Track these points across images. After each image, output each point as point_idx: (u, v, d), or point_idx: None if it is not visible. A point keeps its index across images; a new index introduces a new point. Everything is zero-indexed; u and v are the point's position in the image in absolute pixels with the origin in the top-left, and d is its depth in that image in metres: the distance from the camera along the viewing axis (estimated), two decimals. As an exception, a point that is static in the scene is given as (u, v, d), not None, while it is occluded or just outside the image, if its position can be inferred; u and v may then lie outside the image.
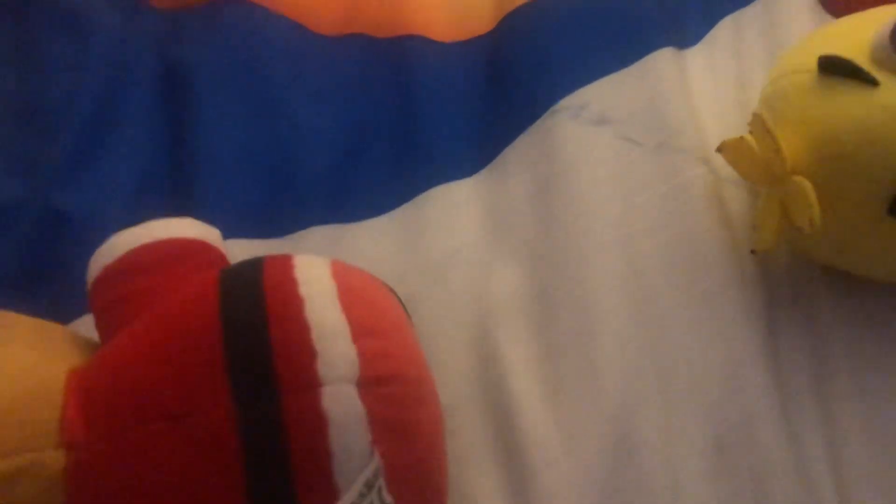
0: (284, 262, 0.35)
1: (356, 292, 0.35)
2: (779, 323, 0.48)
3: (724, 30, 0.59)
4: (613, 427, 0.45)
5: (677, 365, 0.47)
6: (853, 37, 0.45)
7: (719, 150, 0.49)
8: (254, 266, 0.35)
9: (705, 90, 0.56)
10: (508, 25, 0.58)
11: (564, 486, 0.43)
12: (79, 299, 0.45)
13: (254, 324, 0.32)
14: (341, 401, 0.31)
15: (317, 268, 0.35)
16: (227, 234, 0.44)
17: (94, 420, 0.32)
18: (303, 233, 0.51)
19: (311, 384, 0.31)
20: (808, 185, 0.43)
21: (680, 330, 0.48)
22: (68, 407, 0.33)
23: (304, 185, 0.53)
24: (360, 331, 0.33)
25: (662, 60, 0.55)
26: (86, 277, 0.41)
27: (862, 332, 0.48)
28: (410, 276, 0.50)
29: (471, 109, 0.56)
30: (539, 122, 0.54)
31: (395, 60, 0.58)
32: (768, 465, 0.44)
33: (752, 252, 0.49)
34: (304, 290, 0.34)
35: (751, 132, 0.46)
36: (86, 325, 0.43)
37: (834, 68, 0.43)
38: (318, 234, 0.51)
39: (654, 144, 0.52)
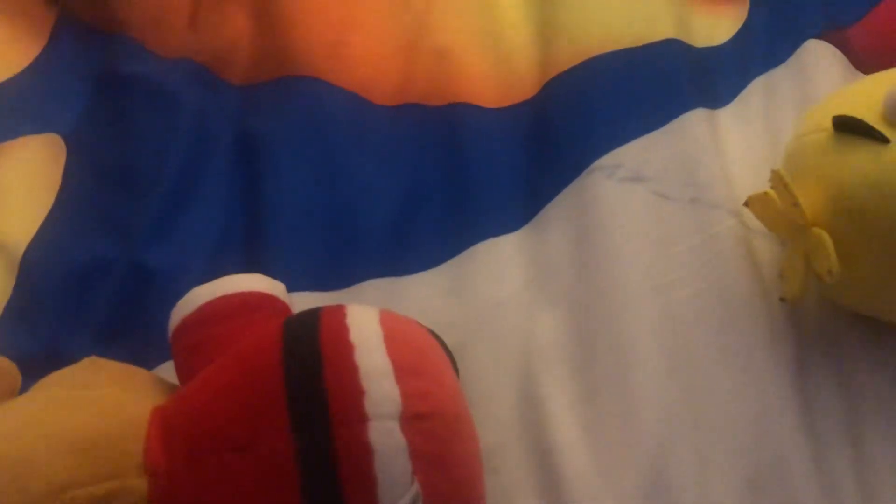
0: (338, 312, 0.40)
1: (401, 337, 0.39)
2: (809, 368, 0.50)
3: (756, 90, 0.62)
4: (649, 466, 0.47)
5: (710, 408, 0.49)
6: (870, 96, 0.48)
7: (746, 204, 0.52)
8: (312, 315, 0.40)
9: (736, 148, 0.59)
10: (549, 92, 0.62)
11: (601, 520, 0.46)
12: (160, 348, 0.50)
13: (311, 366, 0.37)
14: (385, 434, 0.35)
15: (366, 316, 0.40)
16: (293, 287, 0.49)
17: (173, 451, 0.37)
18: (361, 285, 0.56)
19: (359, 419, 0.35)
20: (825, 236, 0.46)
21: (713, 375, 0.50)
22: (151, 439, 0.38)
23: (362, 241, 0.57)
24: (404, 372, 0.37)
25: (694, 121, 0.59)
26: (167, 327, 0.47)
27: (893, 375, 0.50)
28: (459, 324, 0.53)
29: (515, 170, 0.60)
30: (577, 181, 0.57)
31: (445, 126, 0.62)
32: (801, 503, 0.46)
33: (782, 300, 0.52)
34: (355, 335, 0.38)
35: (772, 187, 0.49)
36: (166, 371, 0.48)
37: (847, 127, 0.46)
38: (375, 287, 0.56)
39: (686, 199, 0.56)
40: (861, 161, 0.46)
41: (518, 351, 0.53)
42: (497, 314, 0.54)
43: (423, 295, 0.55)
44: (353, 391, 0.36)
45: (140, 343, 0.53)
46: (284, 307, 0.45)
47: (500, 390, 0.51)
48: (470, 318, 0.54)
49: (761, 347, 0.51)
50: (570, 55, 0.63)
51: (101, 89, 0.66)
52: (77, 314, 0.55)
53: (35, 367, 0.48)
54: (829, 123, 0.48)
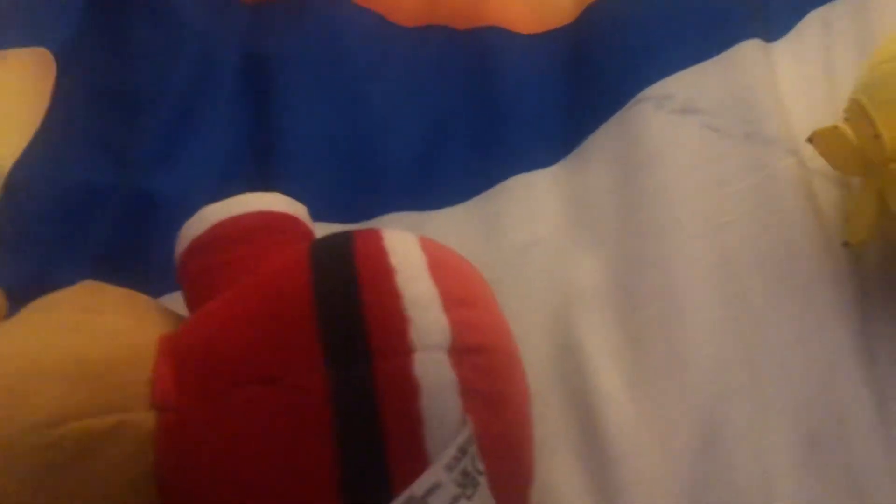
0: (374, 234, 0.35)
1: (445, 264, 0.35)
2: (872, 318, 0.47)
3: (812, 24, 0.58)
4: (700, 418, 0.44)
5: (768, 358, 0.45)
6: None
7: (810, 140, 0.48)
8: (344, 237, 0.36)
9: (793, 83, 0.55)
10: (590, 17, 0.58)
11: (648, 475, 0.42)
12: (164, 278, 0.46)
13: (346, 291, 0.32)
14: (433, 368, 0.31)
15: (406, 240, 0.35)
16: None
17: (185, 383, 0.33)
18: (382, 219, 0.51)
19: (402, 350, 0.31)
20: (909, 170, 0.42)
21: (770, 323, 0.46)
22: (159, 370, 0.33)
23: (384, 172, 0.53)
24: (451, 301, 0.33)
25: (748, 51, 0.54)
26: (172, 255, 0.42)
27: (959, 328, 0.46)
28: (488, 264, 0.48)
29: (550, 100, 0.55)
30: (621, 112, 0.53)
31: (474, 51, 0.58)
32: (862, 463, 0.42)
33: (845, 245, 0.48)
34: (395, 260, 0.34)
35: (846, 119, 0.45)
36: (170, 303, 0.44)
37: (939, 52, 0.42)
38: (397, 221, 0.51)
39: (741, 135, 0.51)
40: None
41: (554, 294, 0.48)
42: (530, 255, 0.50)
43: (449, 232, 0.51)
44: (396, 319, 0.31)
45: (140, 274, 0.48)
46: (308, 231, 0.41)
47: (535, 335, 0.47)
48: (500, 258, 0.50)
49: (822, 295, 0.47)
50: (612, -21, 0.58)
51: (96, 3, 0.61)
52: (71, 239, 0.51)
53: (23, 293, 0.43)
54: (914, 49, 0.43)
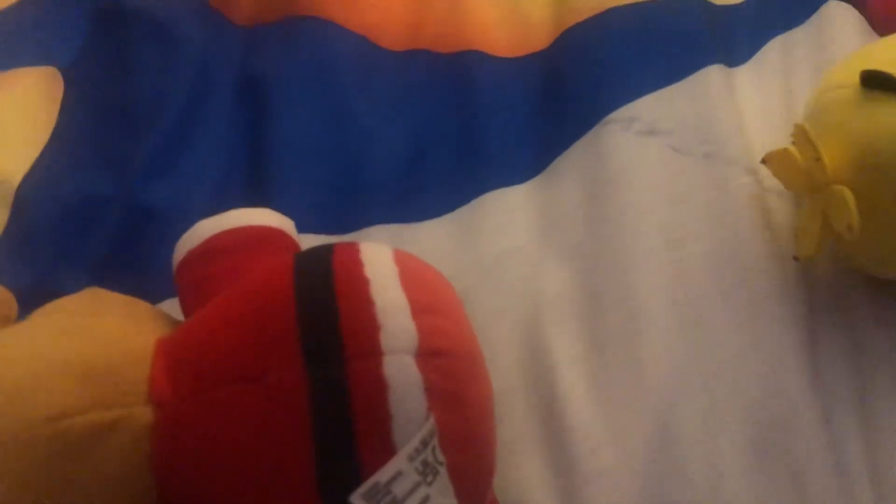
0: (352, 247, 0.39)
1: (416, 275, 0.38)
2: (820, 329, 0.50)
3: (773, 49, 0.61)
4: (656, 419, 0.47)
5: (719, 364, 0.48)
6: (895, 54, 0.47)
7: (764, 161, 0.51)
8: (325, 250, 0.39)
9: (753, 106, 0.58)
10: (564, 43, 0.61)
11: (607, 472, 0.45)
12: (160, 286, 0.49)
13: (324, 298, 0.36)
14: (401, 369, 0.34)
15: (380, 252, 0.39)
16: (298, 229, 0.48)
17: (179, 381, 0.36)
18: (367, 230, 0.55)
19: (373, 352, 0.34)
20: (847, 192, 0.45)
21: (723, 331, 0.49)
22: (156, 369, 0.37)
23: (369, 186, 0.56)
24: (419, 308, 0.36)
25: (711, 76, 0.58)
26: (168, 265, 0.45)
27: (902, 339, 0.49)
28: (466, 273, 0.52)
29: (526, 120, 0.59)
30: (591, 132, 0.56)
31: (455, 74, 0.61)
32: (807, 465, 0.45)
33: (795, 259, 0.51)
34: (369, 270, 0.37)
35: (793, 142, 0.48)
36: (168, 308, 0.47)
37: (875, 82, 0.45)
38: (381, 232, 0.54)
39: (701, 155, 0.55)
40: (888, 116, 0.45)
41: (524, 302, 0.52)
42: (504, 264, 0.53)
43: (429, 243, 0.54)
44: (369, 325, 0.35)
45: (138, 280, 0.51)
46: (293, 243, 0.44)
47: (506, 340, 0.50)
48: (476, 267, 0.53)
49: (772, 306, 0.50)
50: (586, 6, 0.62)
51: (101, 23, 0.64)
52: (74, 250, 0.54)
53: (30, 299, 0.47)
54: (854, 79, 0.47)
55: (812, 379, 0.48)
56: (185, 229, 0.45)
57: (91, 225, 0.55)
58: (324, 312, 0.35)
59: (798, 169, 0.48)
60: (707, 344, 0.49)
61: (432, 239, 0.55)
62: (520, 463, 0.46)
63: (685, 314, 0.50)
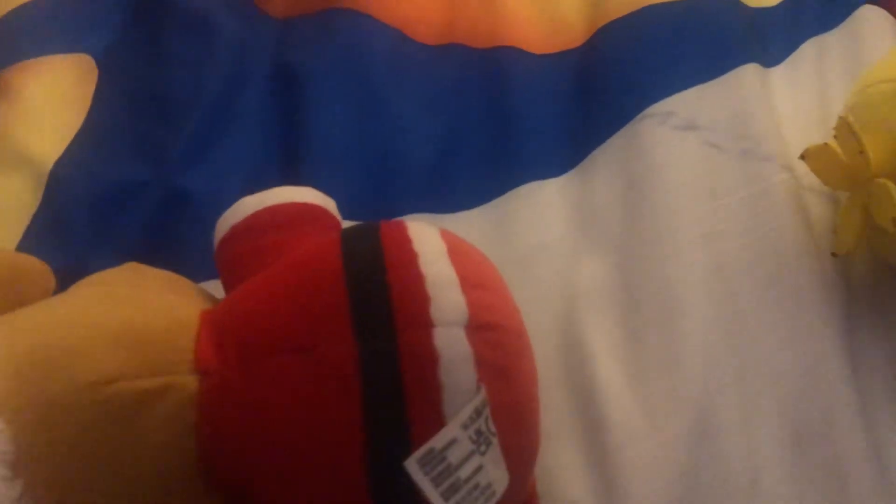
0: (399, 224, 0.39)
1: (463, 252, 0.38)
2: (858, 324, 0.50)
3: (808, 51, 0.62)
4: (693, 411, 0.46)
5: (757, 358, 0.48)
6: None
7: (803, 156, 0.51)
8: (372, 226, 0.39)
9: (788, 105, 0.58)
10: (599, 40, 0.61)
11: (644, 462, 0.45)
12: (195, 270, 0.49)
13: (374, 271, 0.35)
14: (451, 341, 0.34)
15: (427, 229, 0.39)
16: (333, 216, 0.48)
17: (226, 351, 0.36)
18: (401, 219, 0.54)
19: (424, 324, 0.34)
20: (892, 185, 0.45)
21: (760, 326, 0.49)
22: (202, 339, 0.36)
23: (403, 177, 0.56)
24: (469, 283, 0.36)
25: (748, 74, 0.58)
26: (202, 249, 0.46)
27: (939, 335, 0.49)
28: (500, 264, 0.51)
29: (561, 114, 0.59)
30: (627, 127, 0.56)
31: (490, 68, 0.61)
32: (845, 459, 0.45)
33: (833, 255, 0.51)
34: (418, 246, 0.37)
35: (835, 136, 0.48)
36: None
37: (919, 76, 0.46)
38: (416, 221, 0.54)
39: (738, 151, 0.55)
40: (933, 109, 0.45)
41: (560, 294, 0.52)
42: (539, 257, 0.53)
43: (464, 234, 0.53)
44: (419, 297, 0.35)
45: (172, 264, 0.51)
46: (336, 222, 0.44)
47: (542, 332, 0.49)
48: (511, 259, 0.53)
49: (810, 301, 0.50)
50: (620, 4, 0.62)
51: (137, 12, 0.65)
52: (108, 233, 0.54)
53: (62, 281, 0.46)
54: (896, 74, 0.47)
55: (851, 374, 0.48)
56: (219, 214, 0.45)
57: (124, 209, 0.55)
58: (374, 285, 0.35)
59: (839, 164, 0.48)
60: (744, 338, 0.49)
61: (466, 229, 0.52)
62: (557, 452, 0.46)
63: (722, 308, 0.50)
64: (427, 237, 0.38)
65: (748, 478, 0.45)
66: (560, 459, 0.46)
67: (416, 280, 0.35)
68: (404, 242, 0.37)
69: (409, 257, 0.36)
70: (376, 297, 0.35)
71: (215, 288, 0.45)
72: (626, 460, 0.45)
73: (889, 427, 0.47)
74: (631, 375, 0.48)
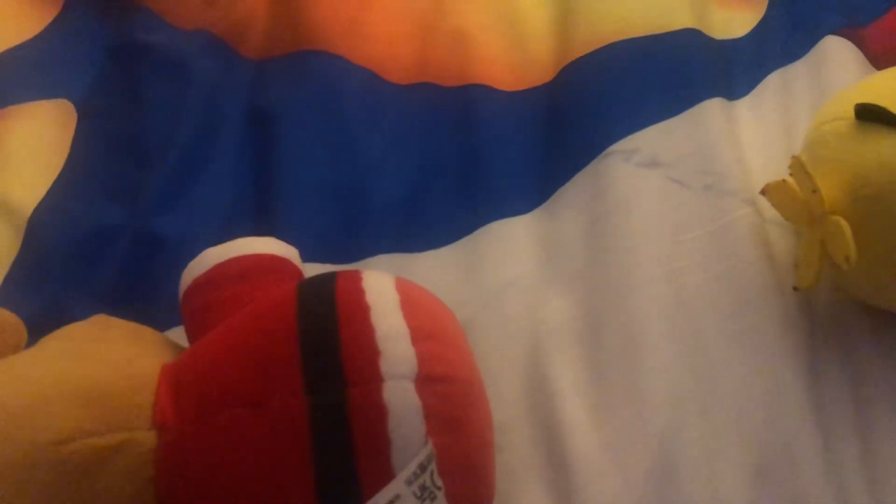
0: (354, 275, 0.40)
1: (416, 302, 0.39)
2: (820, 357, 0.50)
3: (773, 83, 0.62)
4: (657, 447, 0.47)
5: (719, 394, 0.49)
6: (891, 86, 0.48)
7: (763, 192, 0.52)
8: (328, 277, 0.40)
9: (753, 138, 0.59)
10: (565, 77, 0.62)
11: (607, 500, 0.46)
12: (167, 314, 0.50)
13: (326, 326, 0.36)
14: (400, 395, 0.35)
15: (382, 280, 0.39)
16: (304, 258, 0.49)
17: (183, 406, 0.37)
18: (371, 260, 0.55)
19: (373, 379, 0.35)
20: (844, 223, 0.45)
21: (723, 360, 0.50)
22: (160, 394, 0.37)
23: (374, 216, 0.57)
24: (419, 335, 0.37)
25: (711, 110, 0.59)
26: (176, 294, 0.47)
27: (902, 368, 0.50)
28: (469, 302, 0.53)
29: (529, 152, 0.60)
30: (592, 164, 0.57)
31: (460, 107, 0.62)
32: (807, 493, 0.46)
33: (795, 289, 0.51)
34: (371, 298, 0.38)
35: (791, 174, 0.49)
36: (175, 335, 0.48)
37: (869, 115, 0.46)
38: (386, 262, 0.55)
39: (701, 186, 0.56)
40: (882, 148, 0.45)
41: (527, 330, 0.52)
42: (507, 293, 0.54)
43: (433, 272, 0.55)
44: (369, 351, 0.35)
45: (147, 309, 0.52)
46: (297, 271, 0.45)
47: (508, 369, 0.51)
48: (479, 296, 0.54)
49: (772, 335, 0.50)
50: (587, 41, 0.63)
51: (114, 57, 0.66)
52: (84, 278, 0.55)
53: (39, 326, 0.47)
54: (849, 112, 0.47)
55: (813, 407, 0.48)
56: (190, 258, 0.46)
57: (101, 254, 0.56)
58: (325, 339, 0.36)
59: (796, 200, 0.49)
60: (707, 372, 0.49)
61: (435, 269, 0.55)
62: (521, 491, 0.47)
63: (685, 343, 0.50)
64: (381, 288, 0.39)
65: (711, 512, 0.45)
66: (524, 498, 0.46)
67: (366, 333, 0.36)
68: (358, 295, 0.38)
69: (362, 310, 0.37)
70: (327, 352, 0.36)
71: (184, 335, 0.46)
72: (590, 498, 0.46)
73: (851, 458, 0.47)
74: (595, 411, 0.49)
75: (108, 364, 0.39)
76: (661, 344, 0.50)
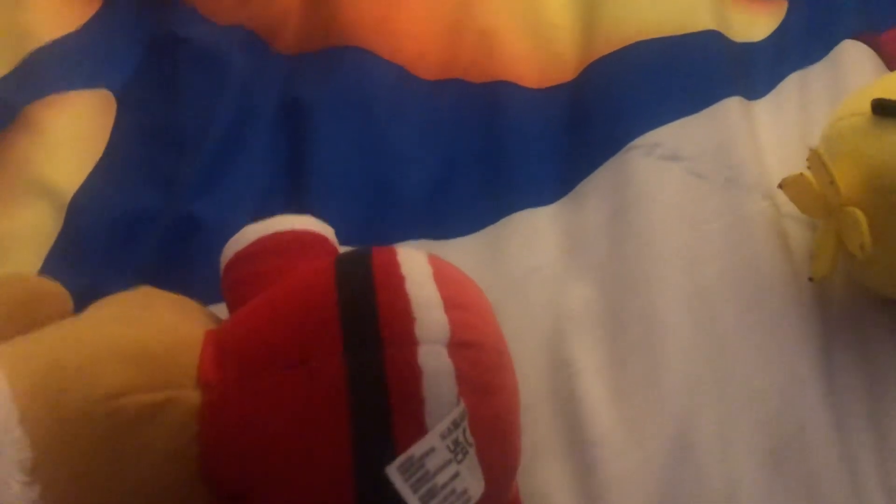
0: (389, 249, 0.42)
1: (448, 275, 0.41)
2: (834, 346, 0.52)
3: (791, 85, 0.64)
4: (674, 428, 0.48)
5: (735, 378, 0.50)
6: (906, 85, 0.50)
7: (780, 186, 0.54)
8: (365, 251, 0.42)
9: (771, 137, 0.61)
10: (589, 75, 0.64)
11: (626, 476, 0.47)
12: (204, 293, 0.52)
13: (364, 293, 0.38)
14: (434, 358, 0.37)
15: (416, 255, 0.41)
16: (335, 243, 0.51)
17: (226, 367, 0.39)
18: (399, 245, 0.57)
19: (409, 342, 0.37)
20: (859, 213, 0.47)
21: (739, 347, 0.51)
22: (205, 356, 0.39)
23: (403, 206, 0.59)
24: (451, 304, 0.39)
25: (731, 107, 0.60)
26: (211, 274, 0.48)
27: (915, 356, 0.51)
28: (493, 288, 0.53)
29: (553, 146, 0.61)
30: (615, 158, 0.59)
31: (486, 102, 0.64)
32: (821, 476, 0.47)
33: (810, 280, 0.53)
34: (406, 269, 0.40)
35: (808, 167, 0.51)
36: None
37: (885, 110, 0.48)
38: (414, 248, 0.57)
39: (720, 180, 0.57)
40: (897, 141, 0.47)
41: (549, 316, 0.54)
42: (530, 280, 0.56)
43: (459, 259, 0.55)
44: (405, 317, 0.37)
45: (182, 289, 0.54)
46: (334, 249, 0.47)
47: (531, 352, 0.52)
48: (504, 282, 0.55)
49: (787, 324, 0.52)
50: (610, 41, 0.65)
51: (153, 50, 0.68)
52: (121, 258, 0.57)
53: (79, 301, 0.49)
54: (866, 108, 0.49)
55: (826, 393, 0.50)
56: (227, 240, 0.48)
57: (137, 236, 0.58)
58: (363, 305, 0.38)
59: (813, 193, 0.51)
60: (724, 358, 0.51)
61: (462, 255, 0.56)
62: (543, 467, 0.48)
63: (703, 330, 0.52)
64: (415, 262, 0.41)
65: (725, 493, 0.47)
66: (546, 474, 0.48)
67: (402, 301, 0.38)
68: (393, 266, 0.40)
69: (398, 280, 0.39)
70: (365, 316, 0.37)
71: (222, 310, 0.48)
72: (609, 475, 0.47)
73: (864, 445, 0.48)
74: (615, 393, 0.50)
75: (156, 327, 0.41)
76: (680, 331, 0.52)
